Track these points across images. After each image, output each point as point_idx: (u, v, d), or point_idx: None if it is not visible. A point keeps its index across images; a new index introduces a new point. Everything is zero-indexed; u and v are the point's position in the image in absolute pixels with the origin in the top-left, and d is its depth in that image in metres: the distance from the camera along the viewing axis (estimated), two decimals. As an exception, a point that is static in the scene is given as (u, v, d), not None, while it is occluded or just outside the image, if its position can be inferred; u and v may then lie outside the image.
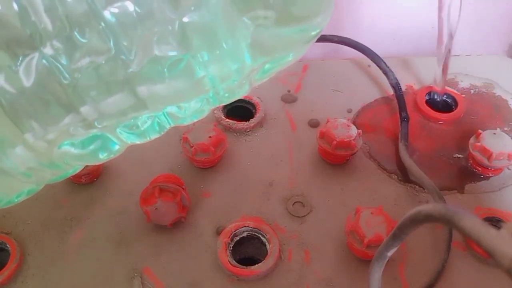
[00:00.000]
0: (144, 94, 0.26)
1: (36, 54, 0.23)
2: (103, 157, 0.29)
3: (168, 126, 0.30)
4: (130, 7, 0.23)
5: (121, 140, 0.29)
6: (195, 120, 0.30)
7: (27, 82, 0.24)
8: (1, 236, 0.37)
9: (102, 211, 0.40)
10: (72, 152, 0.27)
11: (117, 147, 0.29)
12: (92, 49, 0.24)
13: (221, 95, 0.29)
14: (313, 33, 0.28)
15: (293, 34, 0.27)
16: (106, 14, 0.23)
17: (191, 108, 0.29)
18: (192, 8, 0.24)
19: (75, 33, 0.23)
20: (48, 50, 0.23)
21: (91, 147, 0.28)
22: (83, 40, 0.23)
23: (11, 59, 0.23)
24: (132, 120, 0.28)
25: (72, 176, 0.41)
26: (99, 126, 0.27)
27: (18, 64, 0.23)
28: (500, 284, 0.35)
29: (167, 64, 0.25)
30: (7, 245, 0.36)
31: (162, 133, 0.30)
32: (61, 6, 0.22)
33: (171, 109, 0.28)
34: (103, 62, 0.24)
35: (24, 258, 0.37)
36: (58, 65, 0.24)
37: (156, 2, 0.23)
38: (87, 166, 0.39)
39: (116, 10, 0.23)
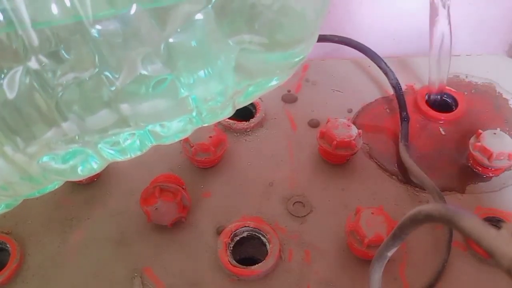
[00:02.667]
0: (127, 111, 0.26)
1: (20, 68, 0.23)
2: (82, 173, 0.29)
3: (149, 145, 0.30)
4: (117, 25, 0.23)
5: (102, 156, 0.28)
6: (177, 140, 0.30)
7: (10, 95, 0.23)
8: (1, 236, 0.37)
9: (102, 211, 0.40)
10: (52, 167, 0.27)
11: (97, 163, 0.29)
12: (77, 65, 0.24)
13: (204, 115, 0.29)
14: (297, 59, 0.28)
15: (277, 60, 0.27)
16: (93, 31, 0.23)
17: (174, 127, 0.29)
18: (179, 29, 0.24)
19: (61, 49, 0.23)
20: (32, 64, 0.23)
21: (71, 162, 0.28)
22: (68, 56, 0.23)
23: None
24: (113, 137, 0.27)
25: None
26: (81, 142, 0.26)
27: (2, 76, 0.23)
28: (500, 284, 0.35)
29: (151, 83, 0.25)
30: (7, 245, 0.36)
31: (144, 151, 0.30)
32: (49, 21, 0.22)
33: (154, 127, 0.28)
34: (87, 78, 0.24)
35: (24, 258, 0.37)
36: (42, 79, 0.23)
37: (143, 22, 0.23)
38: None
39: (103, 28, 0.23)
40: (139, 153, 0.30)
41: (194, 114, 0.28)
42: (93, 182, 0.42)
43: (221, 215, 0.39)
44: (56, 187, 0.31)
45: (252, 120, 0.46)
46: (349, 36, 0.51)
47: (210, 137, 0.41)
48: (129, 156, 0.30)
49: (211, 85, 0.26)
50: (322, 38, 0.51)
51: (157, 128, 0.28)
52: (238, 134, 0.46)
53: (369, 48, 0.50)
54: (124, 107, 0.25)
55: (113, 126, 0.26)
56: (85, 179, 0.41)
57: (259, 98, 0.48)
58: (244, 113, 0.48)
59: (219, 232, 0.38)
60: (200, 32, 0.24)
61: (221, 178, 0.42)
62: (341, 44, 0.51)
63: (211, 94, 0.27)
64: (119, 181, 0.42)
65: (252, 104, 0.48)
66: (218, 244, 0.36)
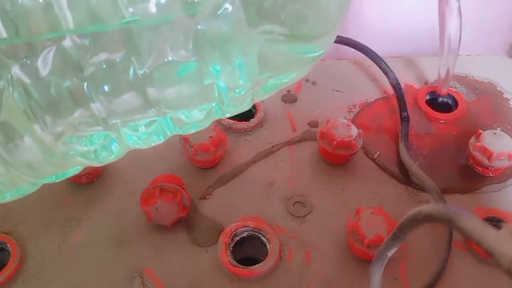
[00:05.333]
0: (153, 95, 0.26)
1: (54, 47, 0.24)
2: (103, 157, 0.29)
3: (169, 133, 0.30)
4: (150, 10, 0.24)
5: (123, 142, 0.29)
6: (194, 131, 0.31)
7: (42, 73, 0.24)
8: (1, 236, 0.37)
9: (102, 211, 0.40)
10: (75, 148, 0.28)
11: (117, 149, 0.29)
12: (109, 46, 0.24)
13: (225, 105, 0.29)
14: (317, 53, 0.29)
15: (299, 52, 0.28)
16: (127, 14, 0.24)
17: (195, 116, 0.29)
18: (208, 17, 0.25)
19: (94, 30, 0.24)
20: (66, 44, 0.24)
21: (94, 145, 0.28)
22: (101, 37, 0.24)
23: (29, 49, 0.24)
24: (136, 122, 0.28)
25: (72, 176, 0.41)
26: (105, 124, 0.27)
27: (36, 54, 0.24)
28: (500, 284, 0.35)
29: (178, 68, 0.26)
30: (8, 245, 0.36)
31: (163, 140, 0.31)
32: (84, 2, 0.23)
33: (176, 114, 0.29)
34: (118, 60, 0.25)
35: (24, 258, 0.37)
36: (74, 59, 0.24)
37: (174, 8, 0.24)
38: (85, 168, 0.40)
39: (136, 11, 0.24)
40: (160, 141, 0.31)
41: (215, 104, 0.29)
42: (93, 182, 0.42)
43: (221, 215, 0.39)
44: (76, 172, 0.32)
45: (252, 120, 0.46)
46: (349, 36, 0.51)
47: (210, 137, 0.41)
48: (150, 143, 0.30)
49: (235, 73, 0.27)
50: (322, 38, 0.51)
51: (179, 116, 0.29)
52: (238, 134, 0.46)
53: (369, 48, 0.50)
54: (151, 91, 0.26)
55: (137, 110, 0.27)
56: (85, 179, 0.41)
57: (259, 98, 0.48)
58: (244, 113, 0.47)
59: (219, 232, 0.38)
60: (228, 21, 0.25)
61: (221, 178, 0.42)
62: (341, 44, 0.51)
63: (234, 82, 0.28)
64: (119, 181, 0.42)
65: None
66: (218, 244, 0.36)
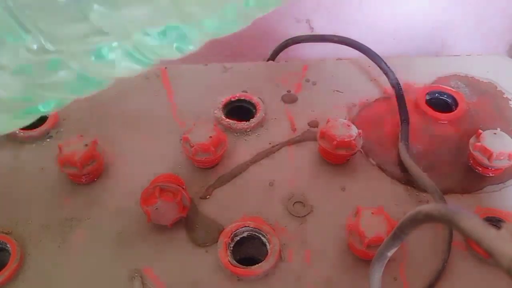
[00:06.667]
0: (97, 20, 0.24)
1: None
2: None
3: (140, 57, 0.27)
4: None
5: (92, 66, 0.27)
6: (176, 56, 0.27)
7: None
8: (1, 236, 0.37)
9: (102, 211, 0.40)
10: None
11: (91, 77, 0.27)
12: None
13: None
14: None
15: None
16: None
17: (159, 38, 0.26)
18: None
19: None
20: None
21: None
22: None
23: None
24: (95, 47, 0.26)
25: (72, 176, 0.41)
26: (54, 50, 0.25)
27: None
28: (500, 284, 0.35)
29: None
30: (8, 245, 0.36)
31: (139, 66, 0.27)
32: None
33: (138, 36, 0.26)
34: None
35: (24, 258, 0.37)
36: None
37: None
38: (86, 167, 0.39)
39: None
40: (132, 66, 0.27)
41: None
42: (93, 182, 0.42)
43: (221, 215, 0.39)
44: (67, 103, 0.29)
45: (252, 120, 0.46)
46: (349, 36, 0.51)
47: (210, 137, 0.41)
48: (118, 70, 0.27)
49: None
50: (322, 38, 0.51)
51: (142, 37, 0.26)
52: (238, 134, 0.46)
53: (369, 48, 0.50)
54: (94, 16, 0.24)
55: (88, 35, 0.25)
56: (85, 179, 0.41)
57: (259, 98, 0.48)
58: (245, 113, 0.48)
59: (219, 232, 0.38)
60: None
61: (221, 178, 0.42)
62: (341, 44, 0.51)
63: None
64: (119, 181, 0.42)
65: (252, 104, 0.48)
66: (218, 244, 0.36)
